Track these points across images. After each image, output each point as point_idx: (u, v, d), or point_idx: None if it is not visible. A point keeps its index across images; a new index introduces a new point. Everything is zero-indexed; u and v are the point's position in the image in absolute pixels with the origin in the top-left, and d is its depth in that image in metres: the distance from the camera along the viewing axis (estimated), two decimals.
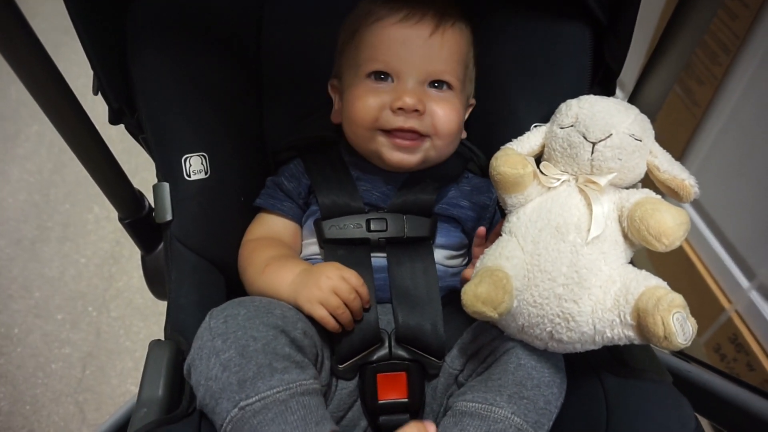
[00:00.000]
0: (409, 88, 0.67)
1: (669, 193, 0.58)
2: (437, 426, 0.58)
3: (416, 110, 0.66)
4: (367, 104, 0.67)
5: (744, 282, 1.13)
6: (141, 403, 0.59)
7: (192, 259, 0.70)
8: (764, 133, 1.07)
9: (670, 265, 1.24)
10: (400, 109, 0.66)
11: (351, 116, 0.70)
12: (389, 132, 0.68)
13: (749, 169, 1.11)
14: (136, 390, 0.62)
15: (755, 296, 1.10)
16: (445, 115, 0.68)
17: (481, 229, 0.67)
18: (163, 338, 0.66)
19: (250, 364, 0.52)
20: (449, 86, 0.69)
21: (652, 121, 0.61)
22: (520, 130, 0.65)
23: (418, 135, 0.68)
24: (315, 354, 0.59)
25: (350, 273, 0.62)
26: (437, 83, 0.69)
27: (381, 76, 0.68)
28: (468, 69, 0.73)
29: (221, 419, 0.52)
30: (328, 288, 0.60)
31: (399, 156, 0.68)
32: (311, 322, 0.61)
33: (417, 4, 0.68)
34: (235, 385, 0.51)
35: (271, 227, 0.73)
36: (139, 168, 1.37)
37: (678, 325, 0.48)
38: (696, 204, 1.23)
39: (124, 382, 1.27)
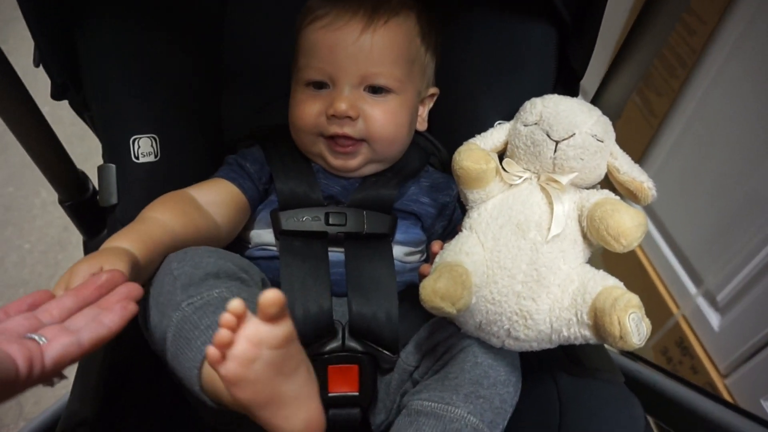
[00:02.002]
0: (344, 94, 0.66)
1: (627, 194, 0.59)
2: (391, 424, 0.57)
3: (348, 116, 0.65)
4: (305, 112, 0.68)
5: (692, 288, 1.16)
6: (73, 398, 0.56)
7: None
8: (716, 145, 1.11)
9: (623, 269, 1.26)
10: (333, 115, 0.65)
11: (293, 123, 0.70)
12: (329, 138, 0.67)
13: (701, 179, 1.15)
14: None
15: (701, 302, 1.13)
16: (381, 119, 0.67)
17: (436, 243, 0.64)
18: None
19: (198, 272, 0.52)
20: (387, 90, 0.67)
21: (613, 127, 0.62)
22: (483, 127, 0.65)
23: (354, 140, 0.67)
24: None
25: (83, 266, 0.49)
26: (375, 87, 0.67)
27: (321, 83, 0.67)
28: (415, 63, 0.70)
29: (164, 330, 0.51)
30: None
31: (340, 161, 0.69)
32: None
33: (350, 2, 0.66)
34: (179, 291, 0.51)
35: (214, 189, 0.66)
36: (91, 153, 1.31)
37: (633, 325, 0.48)
38: (649, 211, 1.27)
39: (67, 374, 1.22)
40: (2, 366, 0.35)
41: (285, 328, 0.41)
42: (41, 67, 0.63)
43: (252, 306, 0.41)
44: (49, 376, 0.39)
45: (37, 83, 0.66)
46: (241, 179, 0.68)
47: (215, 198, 0.65)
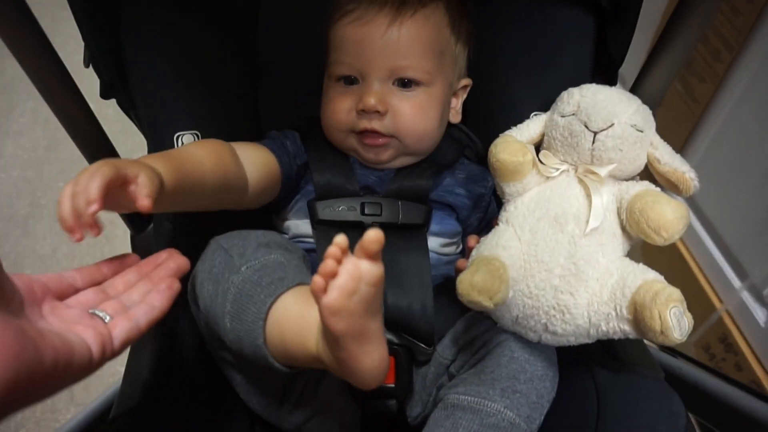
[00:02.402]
0: (373, 88, 0.66)
1: (668, 186, 0.58)
2: (428, 418, 0.58)
3: (377, 111, 0.65)
4: (336, 108, 0.68)
5: (736, 282, 1.13)
6: (125, 385, 0.58)
7: (182, 239, 0.69)
8: (763, 133, 1.07)
9: (663, 263, 1.23)
10: (362, 110, 0.66)
11: (324, 119, 0.70)
12: (360, 133, 0.68)
13: (746, 169, 1.11)
14: None
15: (746, 297, 1.10)
16: (409, 114, 0.67)
17: (472, 238, 0.65)
18: None
19: (249, 243, 0.55)
20: (416, 83, 0.67)
21: (653, 116, 0.60)
22: (519, 118, 0.64)
23: (383, 135, 0.67)
24: None
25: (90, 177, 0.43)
26: (405, 80, 0.67)
27: (351, 78, 0.68)
28: (445, 54, 0.69)
29: (223, 295, 0.53)
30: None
31: (372, 155, 0.69)
32: None
33: None
34: (235, 258, 0.54)
35: (254, 151, 0.66)
36: (135, 149, 1.35)
37: (675, 319, 0.47)
38: (691, 202, 1.23)
39: (115, 362, 1.25)
40: (79, 351, 0.38)
41: (380, 268, 0.44)
42: (88, 66, 0.65)
43: (301, 276, 0.45)
44: (115, 357, 0.42)
45: (83, 82, 0.68)
46: (280, 152, 0.68)
47: (253, 158, 0.64)
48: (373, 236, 0.42)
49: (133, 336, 0.42)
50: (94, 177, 0.42)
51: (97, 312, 0.42)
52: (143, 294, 0.46)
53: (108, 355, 0.40)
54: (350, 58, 0.67)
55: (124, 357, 0.66)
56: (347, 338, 0.45)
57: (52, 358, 0.35)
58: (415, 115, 0.67)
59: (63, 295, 0.43)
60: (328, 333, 0.45)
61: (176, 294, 0.46)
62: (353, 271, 0.43)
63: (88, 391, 1.22)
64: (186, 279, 0.66)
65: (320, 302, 0.43)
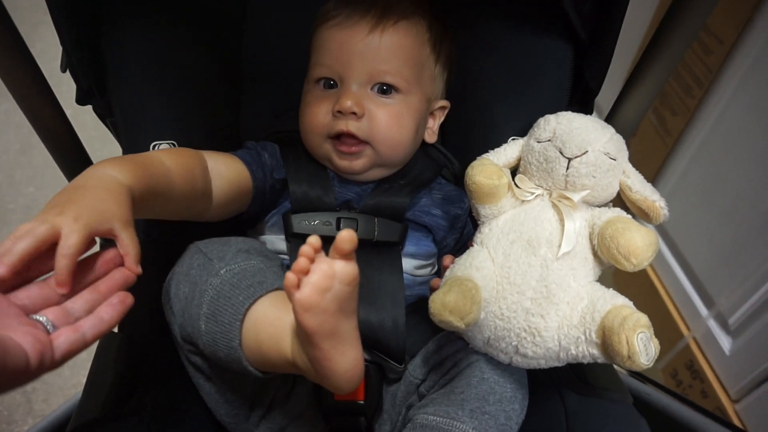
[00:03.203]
0: (351, 90, 0.66)
1: (639, 213, 0.59)
2: None
3: (354, 113, 0.65)
4: (314, 111, 0.68)
5: (703, 310, 1.15)
6: (85, 397, 0.56)
7: (153, 250, 0.67)
8: (731, 165, 1.10)
9: (633, 289, 1.26)
10: (339, 112, 0.66)
11: (302, 124, 0.70)
12: (335, 138, 0.67)
13: (715, 200, 1.14)
14: None
15: (712, 324, 1.12)
16: (385, 120, 0.66)
17: (447, 258, 0.65)
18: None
19: (229, 249, 0.56)
20: (396, 89, 0.67)
21: (627, 145, 0.62)
22: (497, 142, 0.65)
23: (358, 141, 0.67)
24: None
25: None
26: (384, 87, 0.67)
27: (330, 82, 0.68)
28: (424, 68, 0.70)
29: (200, 296, 0.53)
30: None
31: (345, 162, 0.68)
32: None
33: (362, 3, 0.67)
34: (215, 261, 0.54)
35: (226, 163, 0.64)
36: (111, 155, 1.33)
37: (642, 345, 0.48)
38: (662, 230, 1.26)
39: (77, 374, 1.22)
40: (14, 355, 0.36)
41: (355, 267, 0.44)
42: (65, 72, 0.64)
43: (280, 282, 0.45)
44: (55, 368, 0.40)
45: (61, 87, 0.67)
46: (254, 165, 0.67)
47: (223, 171, 0.63)
48: (346, 236, 0.43)
49: (77, 348, 0.41)
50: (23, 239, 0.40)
51: (38, 318, 0.41)
52: (87, 303, 0.43)
53: (47, 364, 0.39)
54: (330, 60, 0.67)
55: (87, 368, 0.64)
56: (320, 336, 0.45)
57: None
58: (391, 122, 0.67)
59: (8, 285, 0.41)
60: (300, 330, 0.45)
61: (128, 309, 0.44)
62: (327, 270, 0.43)
63: (48, 402, 1.18)
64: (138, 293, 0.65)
65: (293, 298, 0.44)
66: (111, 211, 0.45)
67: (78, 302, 0.43)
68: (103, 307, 0.43)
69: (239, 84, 0.81)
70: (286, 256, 0.68)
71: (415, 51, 0.69)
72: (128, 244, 0.45)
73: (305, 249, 0.44)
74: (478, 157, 0.63)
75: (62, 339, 0.40)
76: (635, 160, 0.61)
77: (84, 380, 0.61)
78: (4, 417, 1.18)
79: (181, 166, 0.56)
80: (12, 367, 0.36)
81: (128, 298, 0.45)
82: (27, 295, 0.41)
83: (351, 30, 0.66)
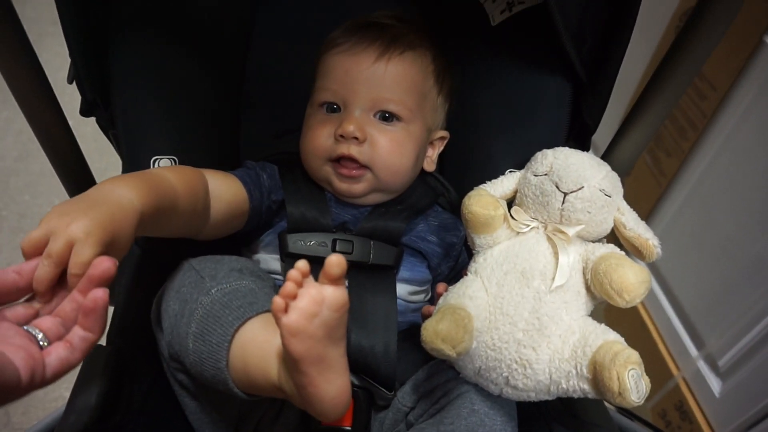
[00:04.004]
0: (354, 115, 0.67)
1: (633, 250, 0.60)
2: None
3: (356, 137, 0.66)
4: (316, 134, 0.69)
5: (693, 350, 1.15)
6: (70, 410, 0.55)
7: (146, 264, 0.67)
8: (723, 208, 1.12)
9: (625, 325, 1.26)
10: (341, 136, 0.67)
11: (303, 146, 0.71)
12: (336, 162, 0.68)
13: (707, 241, 1.15)
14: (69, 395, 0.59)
15: (702, 365, 1.12)
16: (386, 146, 0.67)
17: (442, 285, 0.65)
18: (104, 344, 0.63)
19: (221, 267, 0.56)
20: (398, 118, 0.69)
21: (622, 184, 0.63)
22: (495, 173, 0.66)
23: (359, 165, 0.68)
24: None
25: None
26: (386, 114, 0.68)
27: (333, 107, 0.69)
28: (427, 98, 0.71)
29: (189, 314, 0.52)
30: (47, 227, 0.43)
31: (345, 185, 0.69)
32: None
33: (369, 33, 0.69)
34: (206, 280, 0.53)
35: (225, 184, 0.64)
36: (109, 168, 1.33)
37: (633, 382, 0.48)
38: (654, 269, 1.27)
39: (58, 386, 1.18)
40: (5, 374, 0.35)
41: (344, 293, 0.44)
42: (72, 83, 0.65)
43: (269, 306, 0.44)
44: (45, 386, 0.39)
45: (63, 98, 0.68)
46: (252, 186, 0.67)
47: (221, 192, 0.63)
48: (335, 260, 0.43)
49: (68, 368, 0.40)
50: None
51: (33, 331, 0.40)
52: (75, 304, 0.41)
53: (37, 382, 0.38)
54: (335, 85, 0.68)
55: (72, 381, 0.63)
56: (306, 362, 0.44)
57: None
58: (392, 148, 0.68)
59: (3, 297, 0.41)
60: (287, 355, 0.45)
61: (105, 310, 0.40)
62: (316, 295, 0.43)
63: (27, 415, 1.16)
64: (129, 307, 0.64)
65: (280, 322, 0.43)
66: (123, 232, 0.45)
67: (66, 306, 0.42)
68: (86, 318, 0.40)
69: (240, 104, 0.82)
70: (279, 276, 0.68)
71: (419, 81, 0.70)
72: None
73: (293, 273, 0.43)
74: (475, 188, 0.64)
75: (54, 356, 0.39)
76: (630, 199, 0.62)
77: (66, 394, 0.60)
78: None
79: (187, 186, 0.56)
80: (2, 385, 0.35)
81: (100, 300, 0.40)
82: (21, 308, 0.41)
83: (357, 57, 0.68)
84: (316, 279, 0.65)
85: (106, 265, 0.40)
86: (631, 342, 0.52)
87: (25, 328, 0.40)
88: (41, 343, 0.40)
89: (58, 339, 0.40)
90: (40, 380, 0.38)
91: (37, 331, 0.40)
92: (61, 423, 0.55)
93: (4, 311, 0.41)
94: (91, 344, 0.41)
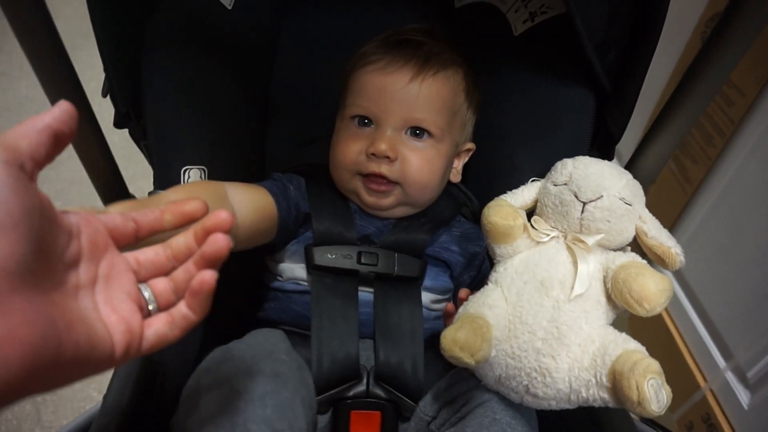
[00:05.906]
0: (386, 134, 0.68)
1: (655, 259, 0.59)
2: None
3: (387, 156, 0.67)
4: (347, 148, 0.70)
5: (721, 362, 1.13)
6: (104, 412, 0.57)
7: None
8: (752, 215, 1.10)
9: (650, 335, 1.24)
10: (373, 154, 0.68)
11: (333, 158, 0.72)
12: (365, 176, 0.69)
13: (735, 250, 1.13)
14: (98, 396, 0.61)
15: (730, 377, 1.09)
16: (417, 164, 0.69)
17: (464, 290, 0.65)
18: None
19: (258, 382, 0.53)
20: (429, 134, 0.69)
21: (645, 192, 0.63)
22: (517, 183, 0.66)
23: (388, 181, 0.69)
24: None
25: None
26: (417, 131, 0.69)
27: (365, 121, 0.70)
28: (456, 116, 0.73)
29: None
30: None
31: (373, 199, 0.70)
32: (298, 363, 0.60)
33: (403, 51, 0.69)
34: (242, 405, 0.51)
35: (251, 193, 0.64)
36: (137, 176, 1.37)
37: (652, 391, 0.48)
38: (680, 278, 1.25)
39: (87, 386, 1.23)
40: (101, 349, 0.33)
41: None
42: (106, 96, 0.68)
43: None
44: (139, 356, 0.37)
45: (94, 108, 0.70)
46: (280, 196, 0.68)
47: (248, 202, 0.62)
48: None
49: (164, 344, 0.38)
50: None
51: (145, 293, 0.38)
52: (188, 274, 0.39)
53: (132, 354, 0.36)
54: (369, 103, 0.69)
55: (100, 382, 0.65)
56: None
57: (71, 354, 0.31)
58: (422, 165, 0.69)
59: (124, 242, 0.38)
60: None
61: (209, 294, 0.38)
62: None
63: (56, 414, 1.19)
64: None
65: None
66: None
67: (180, 273, 0.39)
68: (191, 299, 0.38)
69: (266, 116, 0.83)
70: (304, 282, 0.69)
71: (450, 100, 0.71)
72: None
73: None
74: (495, 198, 0.64)
75: (152, 330, 0.37)
76: (654, 207, 0.62)
77: (94, 394, 0.62)
78: (13, 426, 1.19)
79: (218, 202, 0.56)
80: (94, 362, 0.33)
81: (206, 283, 0.37)
82: (145, 258, 0.39)
83: (392, 77, 0.68)
84: (339, 289, 0.66)
85: (221, 243, 0.38)
86: (656, 352, 0.52)
87: (139, 286, 0.38)
88: (149, 306, 0.38)
89: (166, 306, 0.39)
90: (134, 353, 0.36)
91: (150, 292, 0.38)
92: (94, 424, 0.56)
93: (138, 255, 0.39)
94: (191, 324, 0.39)
